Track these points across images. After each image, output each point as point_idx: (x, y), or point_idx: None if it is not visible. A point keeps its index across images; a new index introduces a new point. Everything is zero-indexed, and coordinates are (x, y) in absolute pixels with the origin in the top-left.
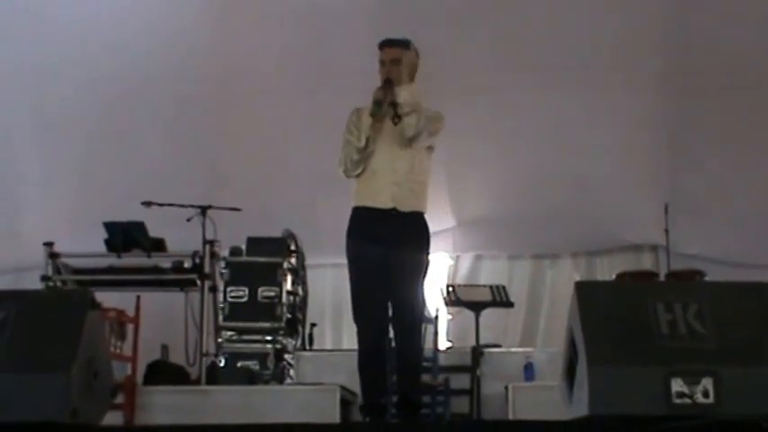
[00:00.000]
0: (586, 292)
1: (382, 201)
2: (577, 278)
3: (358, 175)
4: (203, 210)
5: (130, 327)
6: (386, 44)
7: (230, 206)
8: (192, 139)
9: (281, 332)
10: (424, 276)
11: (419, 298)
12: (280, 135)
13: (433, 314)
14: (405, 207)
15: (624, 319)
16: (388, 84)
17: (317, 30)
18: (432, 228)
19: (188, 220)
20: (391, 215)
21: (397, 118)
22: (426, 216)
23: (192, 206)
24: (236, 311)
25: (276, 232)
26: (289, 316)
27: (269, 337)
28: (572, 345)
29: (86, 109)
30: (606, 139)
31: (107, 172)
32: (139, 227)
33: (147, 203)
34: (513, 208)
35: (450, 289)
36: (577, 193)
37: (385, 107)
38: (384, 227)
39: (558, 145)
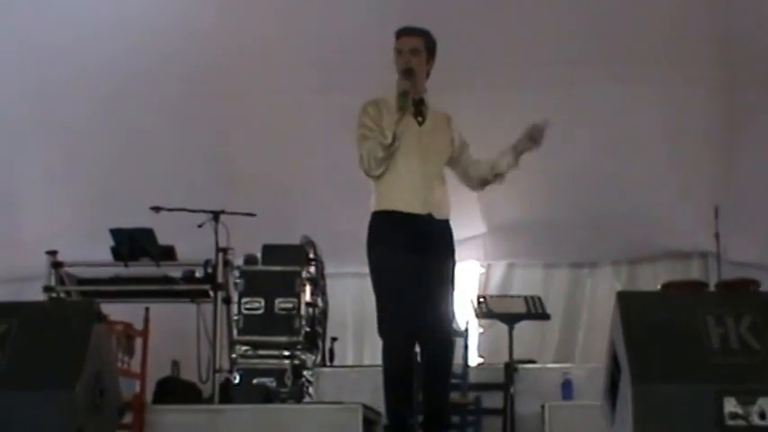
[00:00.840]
0: (630, 303)
1: (415, 206)
2: (619, 288)
3: (380, 175)
4: (216, 215)
5: (139, 341)
6: (403, 32)
7: (244, 211)
8: (205, 139)
9: (300, 347)
10: (454, 288)
11: (452, 311)
12: (296, 135)
13: (462, 327)
14: (439, 214)
15: (671, 332)
16: (410, 73)
17: (335, 19)
18: (461, 234)
19: (199, 226)
20: (426, 222)
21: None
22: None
23: (204, 211)
24: (251, 324)
25: (293, 239)
26: (308, 329)
27: (286, 352)
28: (614, 360)
29: (91, 108)
30: (649, 137)
31: (113, 175)
32: (148, 234)
33: (156, 209)
34: (548, 212)
35: (482, 300)
36: (618, 196)
37: (410, 99)
38: (419, 234)
39: (597, 143)
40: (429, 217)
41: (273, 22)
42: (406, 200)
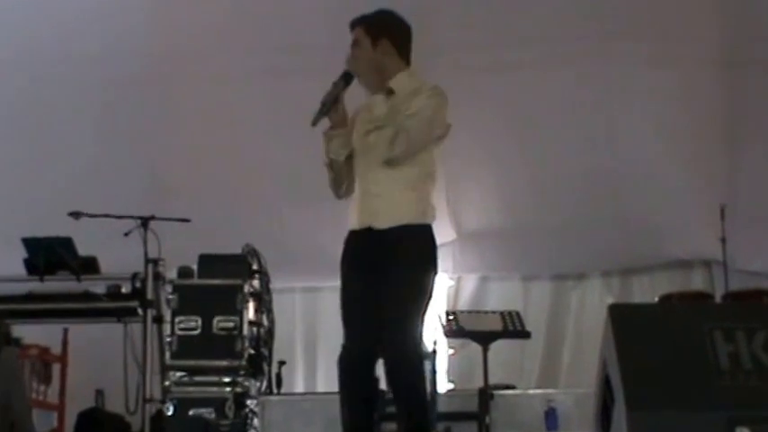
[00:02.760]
0: (624, 317)
1: (353, 221)
2: (610, 302)
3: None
4: (144, 221)
5: (57, 367)
6: (350, 25)
7: (177, 216)
8: (129, 134)
9: (243, 372)
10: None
11: (413, 326)
12: (237, 128)
13: (429, 348)
14: (382, 223)
15: (672, 350)
16: (344, 78)
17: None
18: None
19: (126, 234)
20: (364, 237)
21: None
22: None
23: (131, 217)
24: (186, 347)
25: (234, 248)
26: (251, 352)
27: (227, 379)
28: (606, 384)
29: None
30: (644, 129)
31: (25, 176)
32: (66, 243)
33: (76, 214)
34: (527, 217)
35: (451, 317)
36: (608, 197)
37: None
38: (359, 251)
39: (584, 136)
40: (368, 231)
41: None
42: (352, 216)
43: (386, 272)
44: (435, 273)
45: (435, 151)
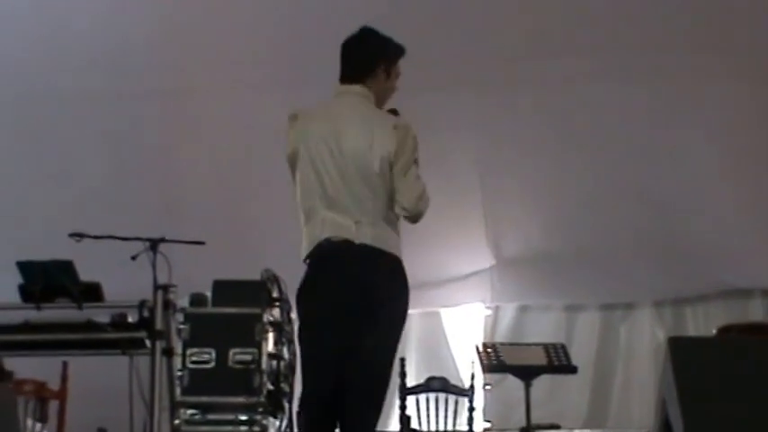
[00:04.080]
0: (684, 351)
1: None
2: (662, 334)
3: None
4: (153, 244)
5: (54, 404)
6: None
7: (190, 239)
8: (138, 151)
9: (261, 409)
10: None
11: None
12: (257, 143)
13: (466, 384)
14: None
15: (739, 387)
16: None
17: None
18: (462, 270)
19: (133, 258)
20: None
21: None
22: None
23: (139, 239)
24: (199, 382)
25: (252, 274)
26: (270, 387)
27: (244, 417)
28: (665, 425)
29: None
30: (694, 143)
31: (21, 194)
32: (66, 268)
33: (78, 236)
34: (571, 241)
35: (490, 349)
36: (658, 221)
37: None
38: None
39: (634, 154)
40: None
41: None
42: None
43: None
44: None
45: None
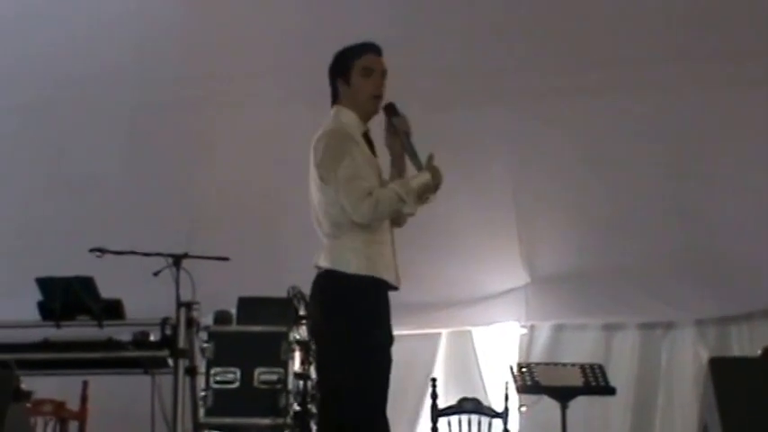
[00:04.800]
0: (727, 373)
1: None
2: (705, 354)
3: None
4: (176, 260)
5: (74, 425)
6: (377, 48)
7: (213, 254)
8: (160, 164)
9: (287, 431)
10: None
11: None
12: (283, 155)
13: (496, 406)
14: None
15: None
16: (393, 109)
17: (329, 15)
18: (496, 287)
19: (155, 274)
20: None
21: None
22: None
23: (161, 254)
24: (223, 402)
25: (278, 291)
26: (297, 408)
27: None
28: None
29: (8, 121)
30: (744, 159)
31: (40, 208)
32: (87, 284)
33: (99, 251)
34: (608, 257)
35: (525, 370)
36: (702, 235)
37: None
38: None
39: (673, 167)
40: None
41: (257, 12)
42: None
43: None
44: None
45: None
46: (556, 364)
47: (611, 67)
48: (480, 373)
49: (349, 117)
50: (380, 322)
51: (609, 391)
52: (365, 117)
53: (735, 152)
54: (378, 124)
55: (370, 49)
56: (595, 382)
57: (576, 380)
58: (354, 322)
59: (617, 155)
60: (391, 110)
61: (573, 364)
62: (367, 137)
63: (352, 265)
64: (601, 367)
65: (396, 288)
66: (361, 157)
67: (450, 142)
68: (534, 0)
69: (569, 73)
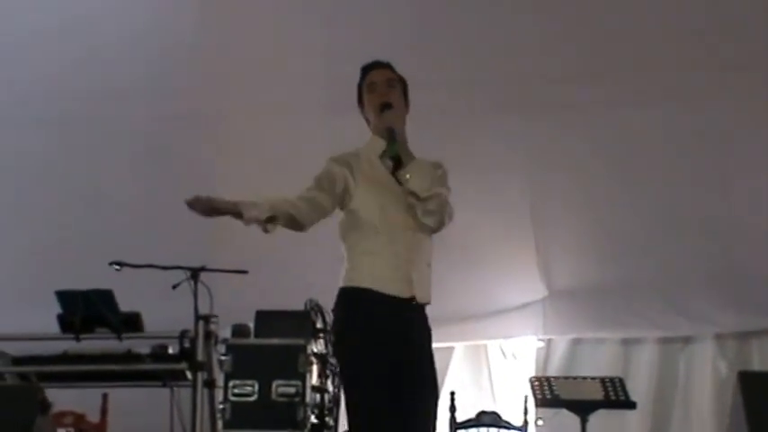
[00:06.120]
0: (756, 386)
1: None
2: (724, 368)
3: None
4: (194, 273)
5: None
6: (375, 65)
7: (232, 268)
8: (177, 176)
9: None
10: None
11: None
12: (300, 167)
13: (513, 419)
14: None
15: None
16: (390, 106)
17: (347, 25)
18: (513, 301)
19: (174, 287)
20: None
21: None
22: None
23: (180, 267)
24: (241, 415)
25: (295, 304)
26: (315, 421)
27: None
28: None
29: (30, 136)
30: (760, 173)
31: (59, 222)
32: (106, 297)
33: (118, 264)
34: (627, 271)
35: (544, 383)
36: (722, 248)
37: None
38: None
39: (694, 179)
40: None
41: (276, 23)
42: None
43: (418, 359)
44: None
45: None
46: (575, 378)
47: (629, 78)
48: (499, 386)
49: (369, 142)
50: (360, 328)
51: (629, 404)
52: (383, 132)
53: (756, 165)
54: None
55: (372, 66)
56: (615, 396)
57: (596, 393)
58: (340, 332)
59: (635, 168)
60: (384, 105)
61: (593, 378)
62: (394, 157)
63: (342, 278)
64: (621, 381)
65: (401, 298)
66: (340, 171)
67: (468, 154)
68: (552, 9)
69: (587, 84)
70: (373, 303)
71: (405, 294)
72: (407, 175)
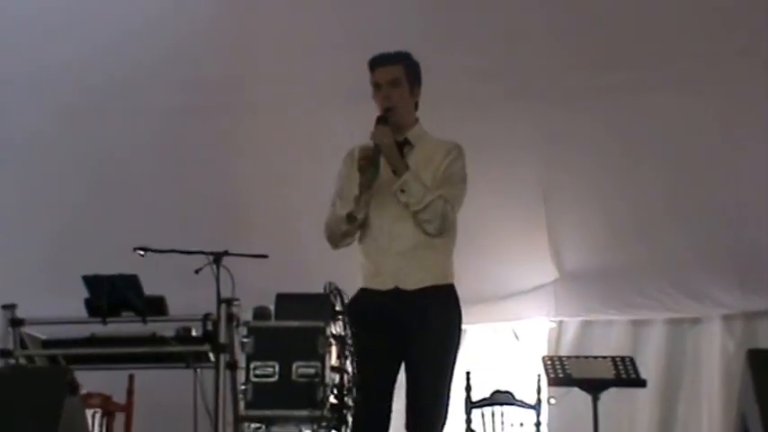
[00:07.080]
0: (766, 364)
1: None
2: (732, 348)
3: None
4: (217, 257)
5: (120, 417)
6: (378, 62)
7: (253, 252)
8: (199, 163)
9: (325, 423)
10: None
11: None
12: (319, 158)
13: (532, 399)
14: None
15: None
16: (387, 120)
17: (367, 13)
18: (525, 284)
19: (196, 271)
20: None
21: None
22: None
23: (203, 252)
24: (262, 395)
25: (315, 287)
26: (334, 401)
27: (308, 430)
28: None
29: (53, 124)
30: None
31: (85, 209)
32: (131, 282)
33: (142, 250)
34: (636, 253)
35: (557, 362)
36: (729, 231)
37: (380, 159)
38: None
39: (698, 165)
40: (394, 291)
41: (293, 12)
42: (368, 274)
43: (414, 340)
44: (460, 340)
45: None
46: (587, 357)
47: (640, 65)
48: (513, 366)
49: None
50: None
51: (640, 383)
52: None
53: (764, 146)
54: None
55: (375, 63)
56: (626, 375)
57: (608, 372)
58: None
59: (644, 153)
60: (379, 119)
61: (604, 357)
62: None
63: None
64: (632, 359)
65: (385, 291)
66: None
67: (480, 138)
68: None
69: (598, 71)
70: (367, 301)
71: (387, 286)
72: (401, 190)
